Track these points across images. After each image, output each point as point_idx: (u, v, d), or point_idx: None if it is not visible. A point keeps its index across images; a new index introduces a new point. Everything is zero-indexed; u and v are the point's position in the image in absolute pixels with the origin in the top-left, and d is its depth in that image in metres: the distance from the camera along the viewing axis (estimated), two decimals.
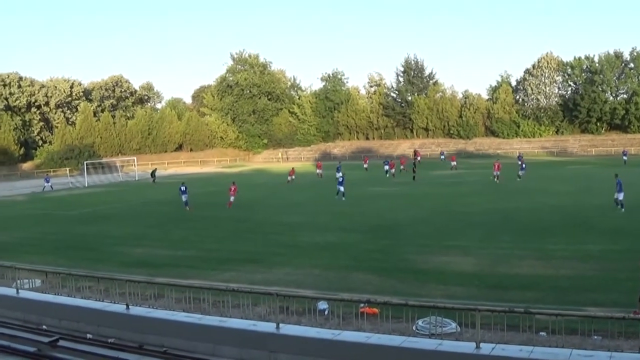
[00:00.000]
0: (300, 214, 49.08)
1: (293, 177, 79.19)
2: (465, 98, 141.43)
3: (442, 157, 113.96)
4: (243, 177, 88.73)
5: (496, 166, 69.71)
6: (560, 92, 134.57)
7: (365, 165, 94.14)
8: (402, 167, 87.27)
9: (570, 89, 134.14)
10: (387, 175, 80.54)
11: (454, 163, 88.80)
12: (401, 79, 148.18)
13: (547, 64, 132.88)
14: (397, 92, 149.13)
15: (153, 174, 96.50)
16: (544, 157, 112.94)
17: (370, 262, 29.71)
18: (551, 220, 39.78)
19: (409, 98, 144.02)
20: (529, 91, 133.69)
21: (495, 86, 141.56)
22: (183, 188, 55.19)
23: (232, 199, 55.48)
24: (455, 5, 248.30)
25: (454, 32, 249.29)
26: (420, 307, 17.71)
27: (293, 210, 52.06)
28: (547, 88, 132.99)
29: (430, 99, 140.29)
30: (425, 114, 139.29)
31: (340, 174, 64.45)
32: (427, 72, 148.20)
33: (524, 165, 72.51)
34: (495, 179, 67.01)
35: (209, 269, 30.05)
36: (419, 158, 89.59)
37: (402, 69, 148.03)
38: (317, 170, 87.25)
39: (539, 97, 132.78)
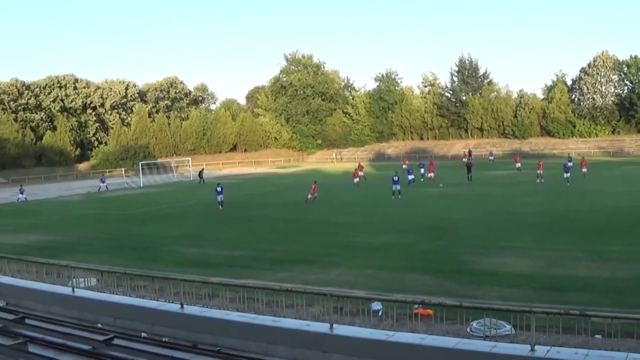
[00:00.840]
0: (355, 215, 48.98)
1: (362, 173, 78.46)
2: (520, 97, 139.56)
3: (491, 158, 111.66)
4: (297, 178, 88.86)
5: (540, 165, 69.00)
6: (616, 91, 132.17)
7: (404, 166, 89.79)
8: (430, 174, 78.44)
9: (626, 88, 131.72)
10: (422, 179, 74.74)
11: (518, 164, 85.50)
12: (455, 79, 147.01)
13: (603, 62, 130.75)
14: (451, 91, 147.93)
15: (200, 174, 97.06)
16: (600, 157, 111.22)
17: (424, 263, 29.60)
18: (608, 222, 39.18)
19: (464, 98, 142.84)
20: (585, 90, 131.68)
21: (551, 85, 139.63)
22: (219, 189, 56.65)
23: (310, 196, 56.29)
24: (510, 4, 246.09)
25: (509, 31, 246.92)
26: (474, 308, 17.55)
27: (347, 210, 51.99)
28: (603, 87, 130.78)
29: (485, 98, 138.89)
30: (479, 114, 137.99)
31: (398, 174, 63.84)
32: (481, 72, 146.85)
33: (569, 164, 71.15)
34: (538, 179, 66.11)
35: (263, 269, 30.19)
36: (471, 159, 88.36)
37: (456, 69, 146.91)
38: (360, 173, 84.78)
39: (594, 96, 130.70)
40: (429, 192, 57.99)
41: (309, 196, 57.02)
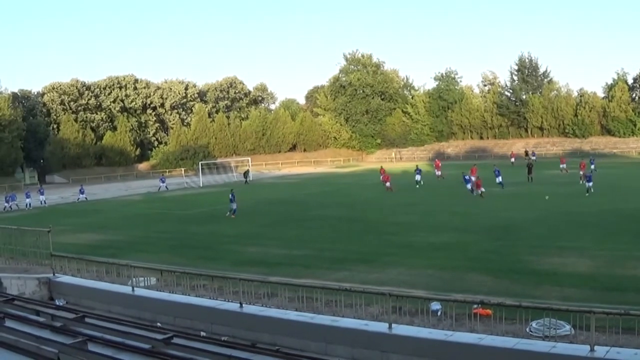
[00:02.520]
0: (414, 214, 48.92)
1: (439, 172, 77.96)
2: (581, 96, 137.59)
3: (534, 157, 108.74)
4: (356, 177, 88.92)
5: (582, 166, 68.12)
6: None
7: (437, 173, 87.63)
8: (438, 172, 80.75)
9: None
10: (474, 193, 60.74)
11: (563, 165, 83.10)
12: (515, 78, 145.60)
13: None
14: (511, 90, 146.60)
15: (246, 175, 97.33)
16: None
17: (484, 263, 29.47)
18: None
19: (524, 97, 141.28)
20: None
21: (611, 84, 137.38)
22: (232, 196, 54.07)
23: (388, 184, 56.64)
24: (570, 1, 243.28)
25: (569, 29, 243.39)
26: (534, 308, 17.41)
27: (407, 210, 51.92)
28: None
29: (545, 97, 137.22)
30: (540, 113, 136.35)
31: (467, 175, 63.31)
32: (541, 70, 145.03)
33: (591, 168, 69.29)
34: (581, 180, 64.20)
35: (322, 269, 30.32)
36: (530, 159, 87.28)
37: (516, 67, 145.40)
38: (436, 172, 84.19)
39: None
40: (490, 192, 57.54)
41: (387, 184, 57.59)
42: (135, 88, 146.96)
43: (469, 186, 61.22)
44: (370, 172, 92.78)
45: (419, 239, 37.69)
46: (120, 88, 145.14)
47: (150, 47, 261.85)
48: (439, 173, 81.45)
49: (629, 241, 32.95)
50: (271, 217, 52.13)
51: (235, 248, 37.97)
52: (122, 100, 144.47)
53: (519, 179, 71.52)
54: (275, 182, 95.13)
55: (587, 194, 54.11)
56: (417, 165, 77.63)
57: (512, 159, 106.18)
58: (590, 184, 55.99)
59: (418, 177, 71.45)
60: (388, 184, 63.56)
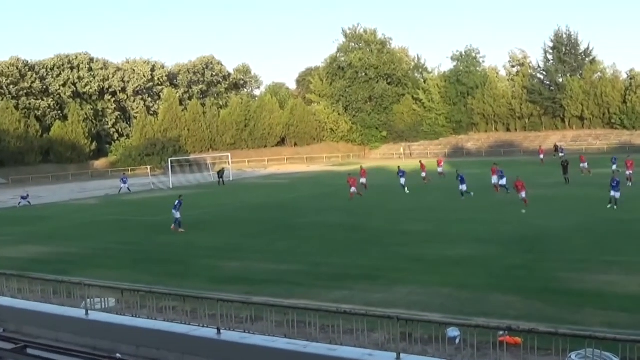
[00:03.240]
0: (427, 222, 48.98)
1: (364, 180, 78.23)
2: (631, 79, 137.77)
3: (562, 154, 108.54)
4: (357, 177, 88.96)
5: (628, 164, 67.85)
6: None
7: (439, 169, 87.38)
8: (424, 174, 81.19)
9: None
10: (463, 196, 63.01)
11: (583, 164, 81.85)
12: (550, 57, 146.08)
13: None
14: (545, 72, 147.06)
15: (221, 174, 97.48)
16: None
17: (512, 281, 29.40)
18: None
19: (560, 80, 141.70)
20: None
21: None
22: (177, 203, 51.81)
23: (353, 189, 56.99)
24: None
25: None
26: (573, 336, 17.31)
27: (418, 216, 52.04)
28: None
29: (587, 80, 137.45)
30: (580, 100, 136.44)
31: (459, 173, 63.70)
32: (582, 48, 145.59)
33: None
34: (628, 182, 64.59)
35: (316, 287, 30.24)
36: (562, 154, 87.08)
37: (551, 45, 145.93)
38: (438, 169, 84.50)
39: None
40: (517, 196, 57.60)
41: (352, 190, 57.51)
42: (90, 69, 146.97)
43: (463, 187, 62.83)
44: (374, 170, 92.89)
45: (432, 251, 37.58)
46: (72, 69, 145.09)
47: (110, 20, 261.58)
48: (424, 174, 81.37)
49: None
50: (255, 225, 52.15)
51: (212, 262, 37.85)
52: (74, 84, 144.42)
53: (550, 179, 71.67)
54: (260, 183, 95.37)
55: (609, 206, 50.09)
56: (399, 167, 77.25)
57: (541, 156, 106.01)
58: (618, 194, 50.75)
59: (402, 181, 70.80)
60: (353, 189, 63.08)
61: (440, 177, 79.65)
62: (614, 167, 74.72)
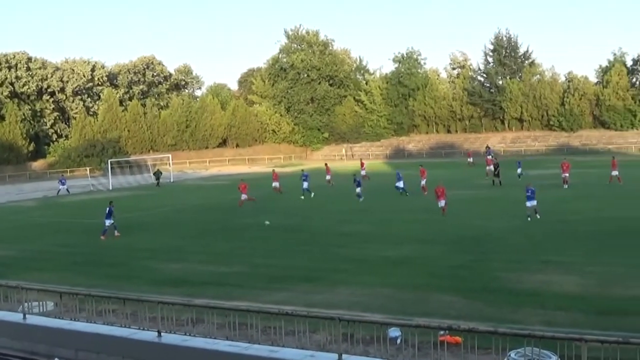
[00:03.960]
0: (368, 223, 49.07)
1: (366, 174, 77.73)
2: (569, 82, 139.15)
3: (489, 155, 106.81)
4: (298, 178, 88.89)
5: (564, 167, 66.85)
6: None
7: (362, 172, 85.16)
8: (328, 177, 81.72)
9: None
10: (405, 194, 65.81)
11: (469, 159, 79.01)
12: (490, 59, 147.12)
13: None
14: (485, 75, 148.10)
15: (157, 175, 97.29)
16: None
17: (452, 281, 29.61)
18: None
19: (500, 82, 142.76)
20: None
21: (607, 67, 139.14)
22: (108, 210, 49.64)
23: (243, 197, 56.99)
24: None
25: (554, 1, 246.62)
26: (513, 335, 17.41)
27: (358, 217, 52.10)
28: None
29: (526, 83, 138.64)
30: (519, 102, 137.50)
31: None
32: (521, 51, 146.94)
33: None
34: (565, 184, 64.67)
35: (257, 288, 30.24)
36: (489, 156, 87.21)
37: (491, 47, 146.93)
38: (327, 176, 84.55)
39: None
40: (457, 196, 57.90)
41: (243, 197, 58.03)
42: (28, 68, 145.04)
43: (400, 184, 64.29)
44: (316, 171, 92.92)
45: (373, 252, 37.68)
46: (10, 68, 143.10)
47: (49, 18, 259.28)
48: (328, 177, 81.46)
49: (627, 256, 33.25)
50: (195, 226, 51.99)
51: (152, 264, 37.69)
52: (12, 84, 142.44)
53: (487, 181, 72.22)
54: (201, 184, 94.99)
55: (529, 219, 46.25)
56: (302, 170, 77.42)
57: (470, 159, 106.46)
58: (534, 202, 47.20)
59: (305, 185, 70.51)
60: (244, 196, 62.94)
61: (365, 179, 79.51)
62: (519, 170, 75.75)
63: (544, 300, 25.52)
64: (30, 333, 22.63)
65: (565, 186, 63.54)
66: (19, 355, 20.91)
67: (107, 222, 49.05)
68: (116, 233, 49.12)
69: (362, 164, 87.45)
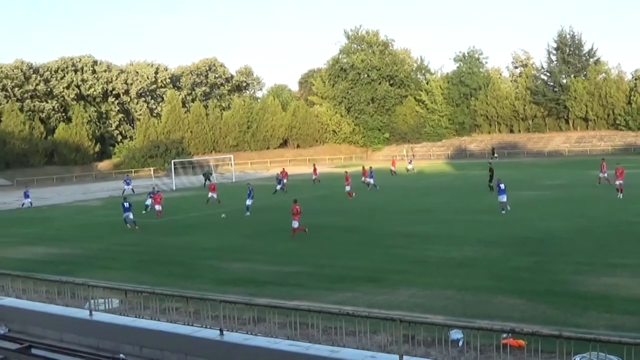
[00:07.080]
0: (431, 223, 48.92)
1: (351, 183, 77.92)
2: (636, 80, 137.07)
3: (495, 157, 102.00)
4: (359, 179, 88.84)
5: (618, 173, 59.27)
6: None
7: (314, 177, 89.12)
8: (315, 176, 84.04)
9: None
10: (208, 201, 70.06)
11: (603, 174, 72.80)
12: (554, 58, 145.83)
13: None
14: (548, 73, 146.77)
15: (207, 176, 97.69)
16: None
17: (516, 283, 29.32)
18: None
19: (564, 81, 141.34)
20: None
21: None
22: (127, 205, 53.58)
23: (158, 207, 60.00)
24: None
25: None
26: (578, 339, 17.19)
27: (422, 218, 52.02)
28: None
29: (591, 81, 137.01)
30: (584, 101, 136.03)
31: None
32: (586, 49, 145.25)
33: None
34: (619, 193, 57.59)
35: (319, 289, 30.21)
36: (496, 157, 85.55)
37: (554, 46, 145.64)
38: (313, 176, 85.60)
39: None
40: (523, 197, 57.44)
41: (157, 207, 59.14)
42: (94, 71, 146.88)
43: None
44: (377, 172, 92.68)
45: (436, 253, 37.56)
46: (76, 71, 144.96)
47: (113, 22, 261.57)
48: (315, 177, 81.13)
49: None
50: (259, 226, 52.20)
51: (214, 264, 37.92)
52: (78, 86, 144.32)
53: (555, 181, 71.49)
54: (262, 185, 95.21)
55: (503, 212, 50.26)
56: (277, 174, 77.86)
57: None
58: (504, 197, 51.10)
59: (278, 187, 72.32)
60: (315, 176, 62.97)
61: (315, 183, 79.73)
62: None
63: (610, 304, 25.10)
64: (96, 329, 22.92)
65: (620, 195, 57.13)
66: (85, 350, 21.06)
67: (130, 215, 53.39)
68: (136, 227, 52.10)
69: (314, 170, 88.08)
